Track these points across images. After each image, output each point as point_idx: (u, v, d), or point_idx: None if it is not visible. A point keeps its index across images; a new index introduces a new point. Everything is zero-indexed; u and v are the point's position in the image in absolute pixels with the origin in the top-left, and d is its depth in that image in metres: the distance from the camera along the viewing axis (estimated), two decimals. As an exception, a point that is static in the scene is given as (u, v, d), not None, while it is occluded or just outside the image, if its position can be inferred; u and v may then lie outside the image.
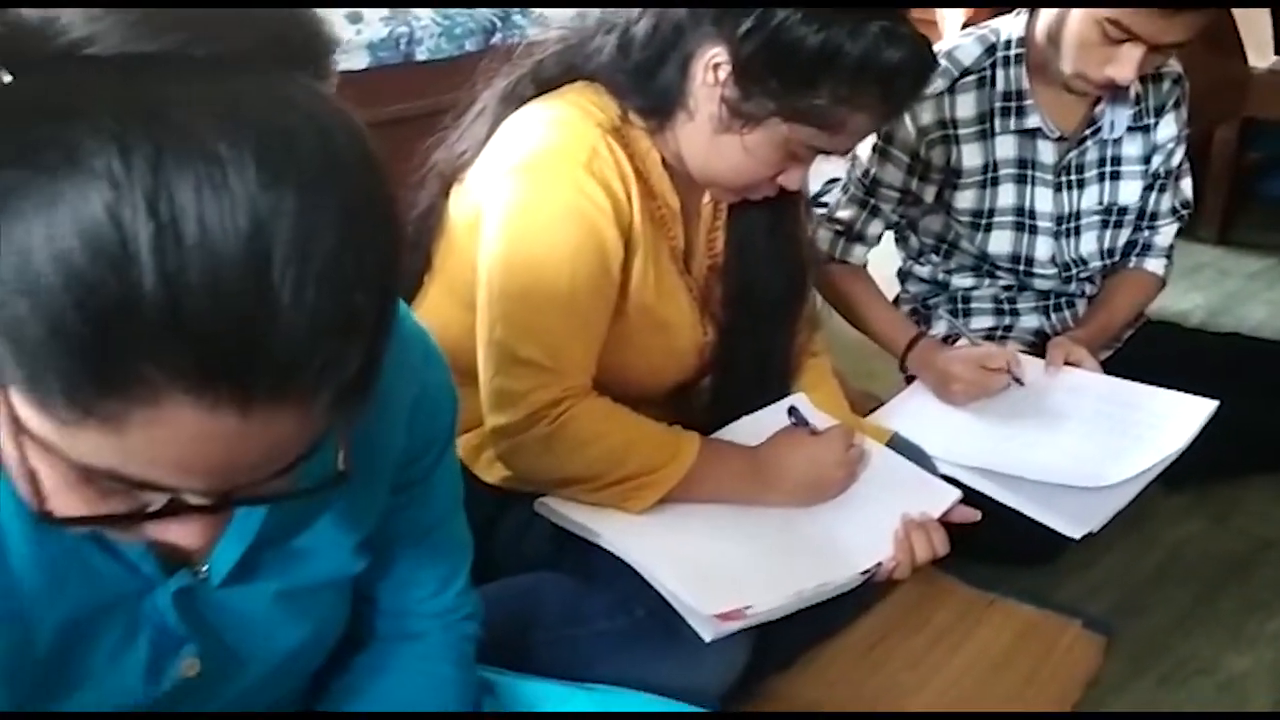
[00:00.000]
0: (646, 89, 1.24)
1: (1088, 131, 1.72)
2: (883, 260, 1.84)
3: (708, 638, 1.10)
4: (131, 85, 0.50)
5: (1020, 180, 1.72)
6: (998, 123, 1.68)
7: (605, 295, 1.22)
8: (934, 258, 1.85)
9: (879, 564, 1.26)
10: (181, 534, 0.60)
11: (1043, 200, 1.73)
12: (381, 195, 0.56)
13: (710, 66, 1.18)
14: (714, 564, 1.17)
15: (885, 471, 1.35)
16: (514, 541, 1.29)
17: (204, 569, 0.75)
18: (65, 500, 0.57)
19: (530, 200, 1.17)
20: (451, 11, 2.08)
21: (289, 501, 0.63)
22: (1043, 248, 1.75)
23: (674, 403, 1.40)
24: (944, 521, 1.31)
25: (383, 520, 0.85)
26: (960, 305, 1.84)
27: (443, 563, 0.94)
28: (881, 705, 1.33)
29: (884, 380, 1.83)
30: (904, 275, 1.93)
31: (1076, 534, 1.38)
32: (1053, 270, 1.77)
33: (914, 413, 1.60)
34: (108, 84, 0.50)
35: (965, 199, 1.73)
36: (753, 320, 1.39)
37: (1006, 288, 1.82)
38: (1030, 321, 1.83)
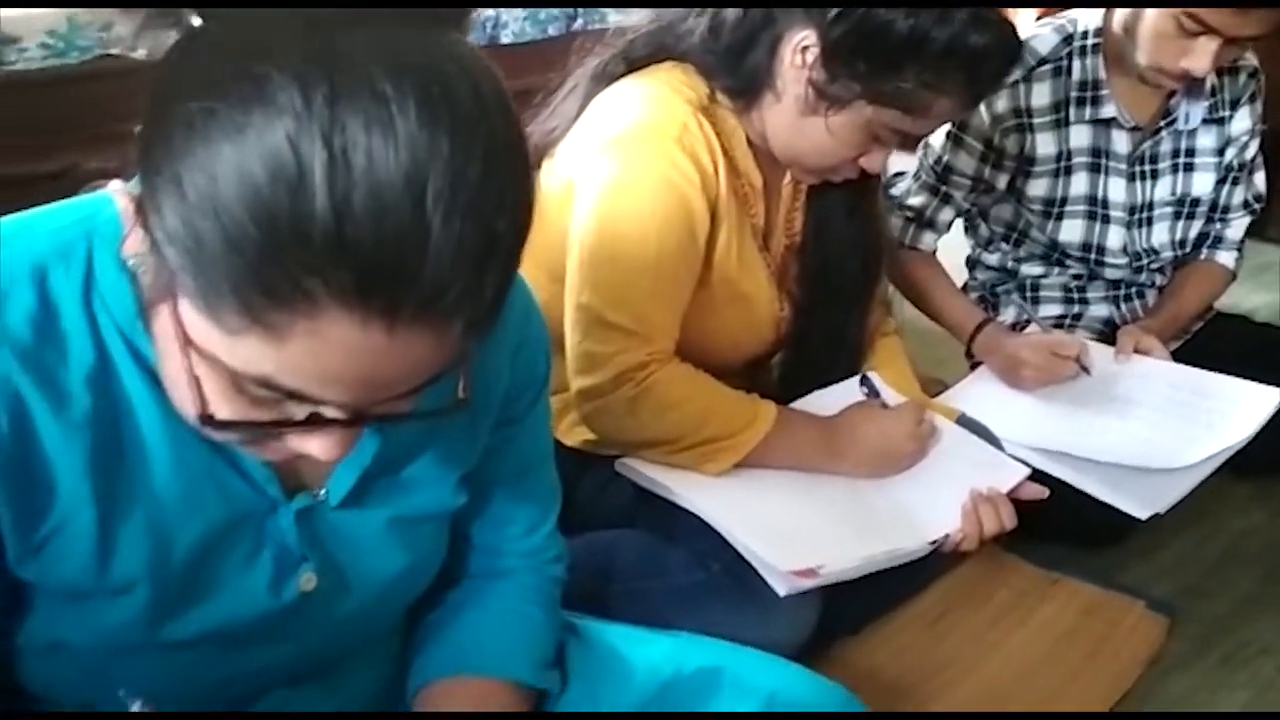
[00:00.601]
0: (735, 70, 1.28)
1: (1162, 123, 1.73)
2: (949, 249, 1.86)
3: (782, 593, 1.15)
4: (311, 32, 0.56)
5: (1094, 169, 1.74)
6: (1073, 112, 1.70)
7: (691, 264, 1.26)
8: (1004, 246, 1.87)
9: (946, 535, 1.29)
10: (318, 446, 0.65)
11: (1116, 190, 1.75)
12: (519, 138, 0.62)
13: (799, 49, 1.22)
14: (788, 525, 1.22)
15: (955, 447, 1.39)
16: (593, 502, 1.34)
17: (321, 493, 0.80)
18: (222, 408, 0.63)
19: (624, 171, 1.22)
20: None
21: (413, 423, 0.68)
22: (1114, 237, 1.77)
23: (748, 377, 1.44)
24: (1012, 498, 1.34)
25: (482, 459, 0.91)
26: (1029, 293, 1.87)
27: (534, 505, 0.99)
28: (945, 675, 1.36)
29: (951, 368, 1.85)
30: (972, 263, 1.96)
31: (1143, 515, 1.41)
32: (1123, 260, 1.79)
33: (981, 395, 1.62)
34: (291, 30, 0.56)
35: (1038, 187, 1.75)
36: (828, 299, 1.43)
37: (1076, 276, 1.84)
38: (1100, 311, 1.85)
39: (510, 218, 0.60)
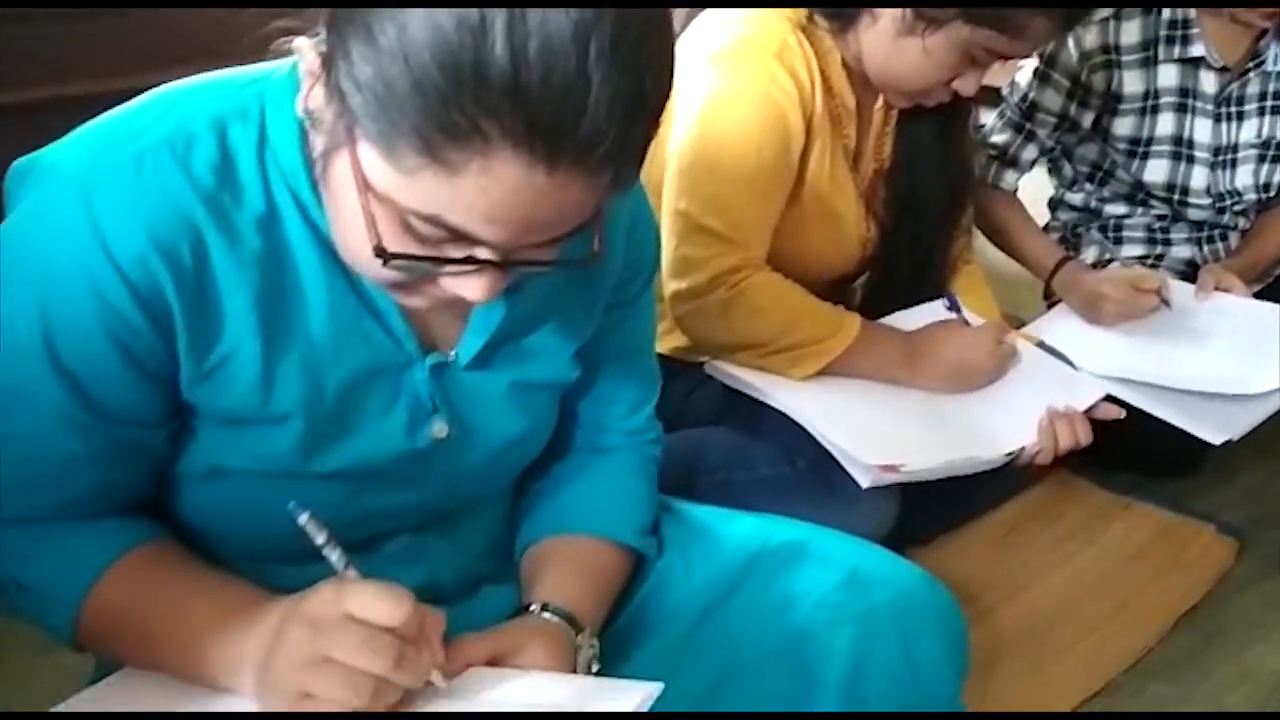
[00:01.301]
0: None
1: (1251, 64, 1.74)
2: (1028, 190, 1.88)
3: (865, 485, 1.21)
4: None
5: (1180, 109, 1.76)
6: (1161, 50, 1.72)
7: (785, 177, 1.32)
8: (1088, 185, 1.90)
9: (1022, 448, 1.34)
10: (470, 286, 0.72)
11: (1201, 130, 1.76)
12: (667, 15, 0.68)
13: None
14: (872, 424, 1.28)
15: (1033, 366, 1.43)
16: (681, 406, 1.40)
17: (452, 354, 0.88)
18: (392, 246, 0.70)
19: (725, 84, 1.28)
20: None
21: (553, 272, 0.75)
22: (1198, 178, 1.79)
23: (832, 297, 1.49)
24: (1088, 418, 1.38)
25: (594, 338, 0.97)
26: (1112, 234, 1.89)
27: (637, 386, 1.06)
28: (1014, 585, 1.42)
29: (1029, 311, 1.88)
30: (1055, 203, 1.98)
31: (1217, 440, 1.44)
32: (1207, 201, 1.81)
33: (1059, 326, 1.66)
34: None
35: (1123, 126, 1.77)
36: (914, 223, 1.48)
37: (1160, 217, 1.86)
38: (1182, 252, 1.87)
39: (658, 79, 0.67)
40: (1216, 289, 1.68)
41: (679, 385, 1.40)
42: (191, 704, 0.77)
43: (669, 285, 1.33)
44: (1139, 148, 1.78)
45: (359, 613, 0.71)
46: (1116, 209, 1.88)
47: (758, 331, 1.31)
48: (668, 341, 1.41)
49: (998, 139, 1.83)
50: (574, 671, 0.86)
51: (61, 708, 0.78)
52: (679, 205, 1.30)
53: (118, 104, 0.79)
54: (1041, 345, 1.54)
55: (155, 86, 0.80)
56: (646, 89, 0.65)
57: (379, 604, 0.71)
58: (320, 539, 0.75)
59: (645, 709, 0.74)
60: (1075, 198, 1.93)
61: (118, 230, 0.72)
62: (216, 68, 0.81)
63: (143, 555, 0.81)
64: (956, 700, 0.98)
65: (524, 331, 0.91)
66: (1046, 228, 1.97)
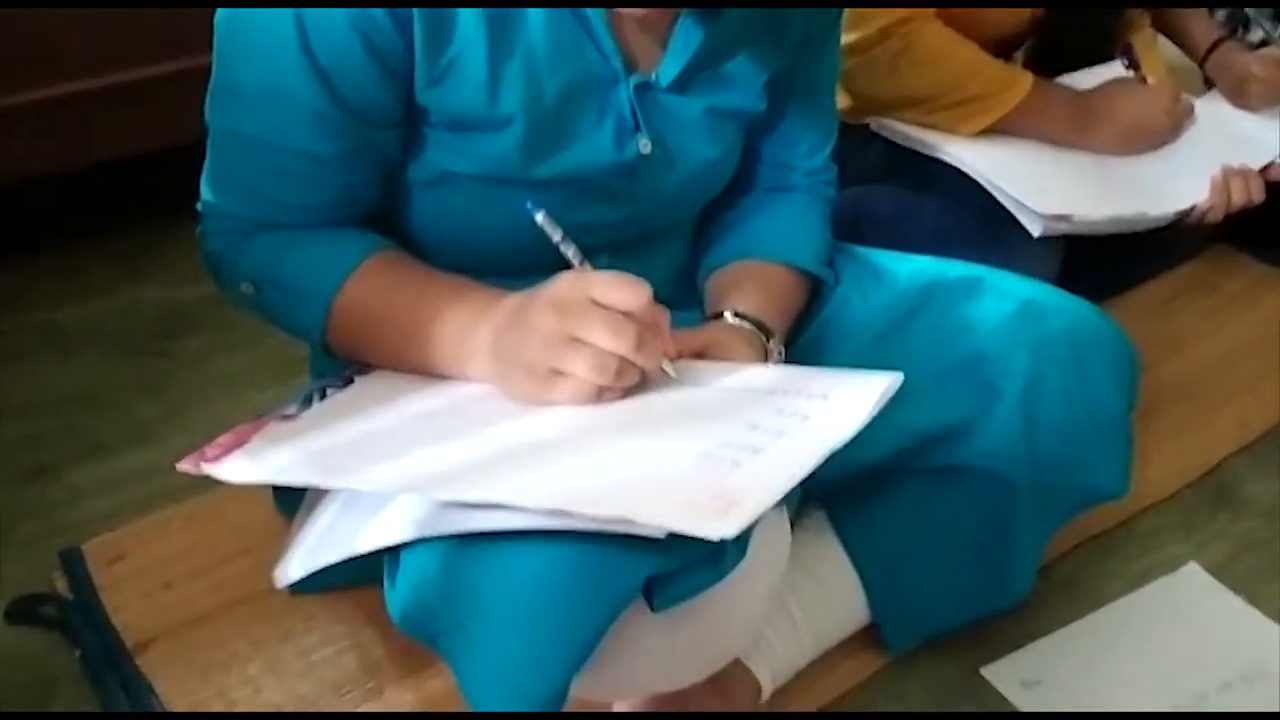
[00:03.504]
0: None
1: None
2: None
3: (1036, 233, 1.22)
4: None
5: None
6: None
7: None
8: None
9: (1194, 206, 1.33)
10: None
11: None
12: None
13: None
14: (1043, 176, 1.28)
15: (1208, 124, 1.41)
16: (845, 165, 1.42)
17: (653, 75, 0.91)
18: None
19: None
20: None
21: None
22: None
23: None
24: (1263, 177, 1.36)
25: (783, 73, 0.99)
26: (1284, 8, 1.81)
27: (818, 128, 1.08)
28: (1174, 344, 1.43)
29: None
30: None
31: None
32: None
33: (1217, 105, 1.61)
34: None
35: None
36: None
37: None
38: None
39: None
40: None
41: (842, 146, 1.41)
42: (434, 397, 0.83)
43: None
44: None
45: (602, 298, 0.75)
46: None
47: (928, 84, 1.31)
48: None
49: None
50: None
51: (296, 410, 0.83)
52: (851, -45, 1.28)
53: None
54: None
55: None
56: None
57: (621, 290, 0.75)
58: (557, 236, 0.81)
59: (888, 399, 0.74)
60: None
61: None
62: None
63: (382, 258, 0.87)
64: (1124, 422, 1.02)
65: (719, 59, 0.94)
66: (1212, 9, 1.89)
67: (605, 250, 0.97)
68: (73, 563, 1.15)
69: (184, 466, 0.78)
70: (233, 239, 0.90)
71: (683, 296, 1.06)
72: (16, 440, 1.36)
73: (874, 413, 0.73)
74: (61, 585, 1.14)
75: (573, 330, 0.75)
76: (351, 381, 0.88)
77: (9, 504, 1.26)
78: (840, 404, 0.74)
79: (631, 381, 0.78)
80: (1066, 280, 1.31)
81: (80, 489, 1.29)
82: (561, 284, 0.78)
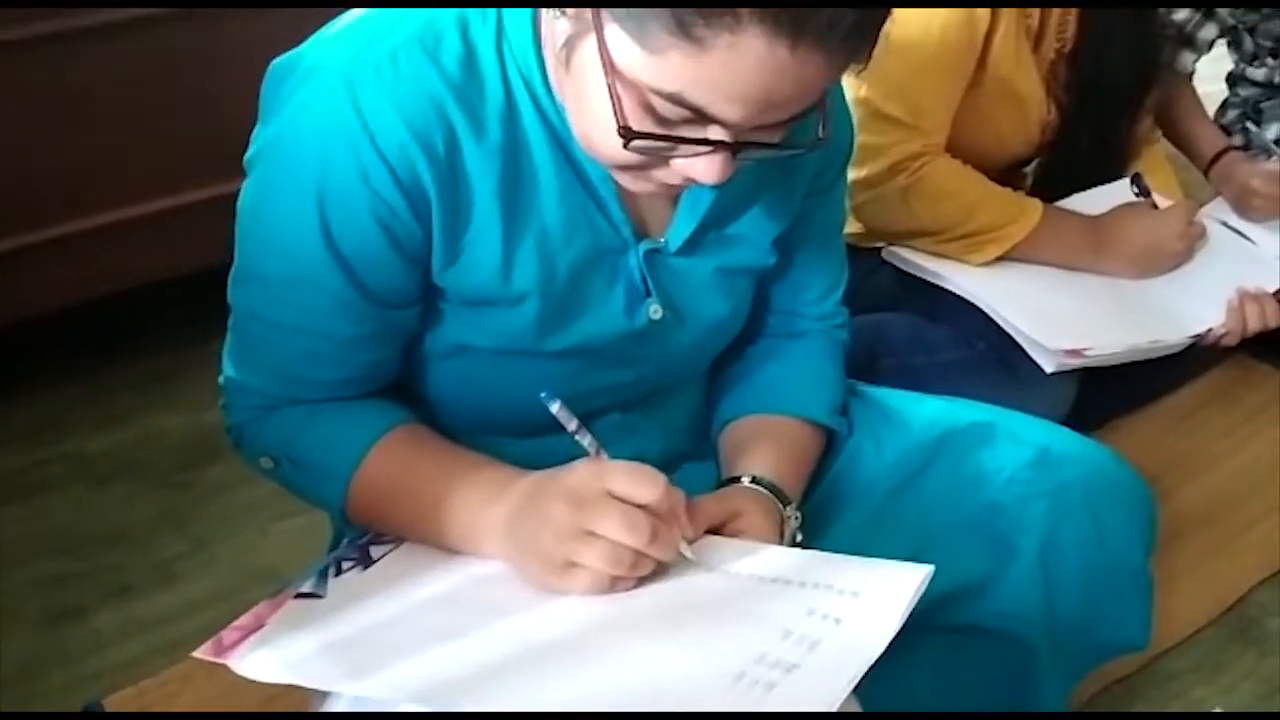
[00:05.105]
0: None
1: None
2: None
3: (1049, 369, 1.22)
4: None
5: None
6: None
7: (967, 62, 1.31)
8: (1270, 61, 1.82)
9: (1209, 329, 1.33)
10: (703, 167, 0.75)
11: (1399, 0, 1.67)
12: None
13: None
14: (1054, 307, 1.29)
15: (1220, 246, 1.41)
16: (857, 291, 1.42)
17: (662, 240, 0.92)
18: (633, 124, 0.73)
19: (908, -31, 1.27)
20: None
21: (779, 154, 0.78)
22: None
23: (1003, 183, 1.49)
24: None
25: (791, 224, 1.01)
26: (1297, 109, 1.82)
27: (827, 273, 1.09)
28: (1193, 466, 1.43)
29: (1202, 191, 1.83)
30: (1234, 79, 1.91)
31: None
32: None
33: (1227, 216, 1.61)
34: None
35: (1314, -2, 1.69)
36: (1099, 105, 1.45)
37: (1347, 91, 1.79)
38: (1370, 128, 1.79)
39: None
40: None
41: (854, 271, 1.41)
42: (451, 579, 0.83)
43: (849, 174, 1.34)
44: (1329, 21, 1.70)
45: (618, 490, 0.76)
46: (1302, 84, 1.81)
47: (938, 218, 1.32)
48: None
49: (1174, 16, 1.76)
50: (782, 540, 0.91)
51: (313, 586, 0.84)
52: (860, 93, 1.31)
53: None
54: (1224, 225, 1.51)
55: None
56: None
57: (637, 483, 0.76)
58: (572, 426, 0.81)
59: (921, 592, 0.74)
60: (1257, 73, 1.86)
61: (381, 122, 0.78)
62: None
63: (404, 432, 0.88)
64: (1144, 573, 1.01)
65: (728, 219, 0.95)
66: (1225, 104, 1.91)
67: (617, 409, 0.99)
68: (97, 720, 1.16)
69: (203, 654, 0.79)
70: (256, 413, 0.92)
71: (698, 445, 1.06)
72: (46, 581, 1.38)
73: (909, 611, 0.73)
74: (88, 741, 1.15)
75: (587, 523, 0.76)
76: (368, 553, 0.89)
77: (36, 651, 1.27)
78: (873, 603, 0.74)
79: (646, 571, 0.78)
80: (1080, 396, 1.31)
81: (105, 634, 1.30)
82: (576, 474, 0.79)
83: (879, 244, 1.41)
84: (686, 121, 0.72)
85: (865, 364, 1.31)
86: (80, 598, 1.35)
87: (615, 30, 0.70)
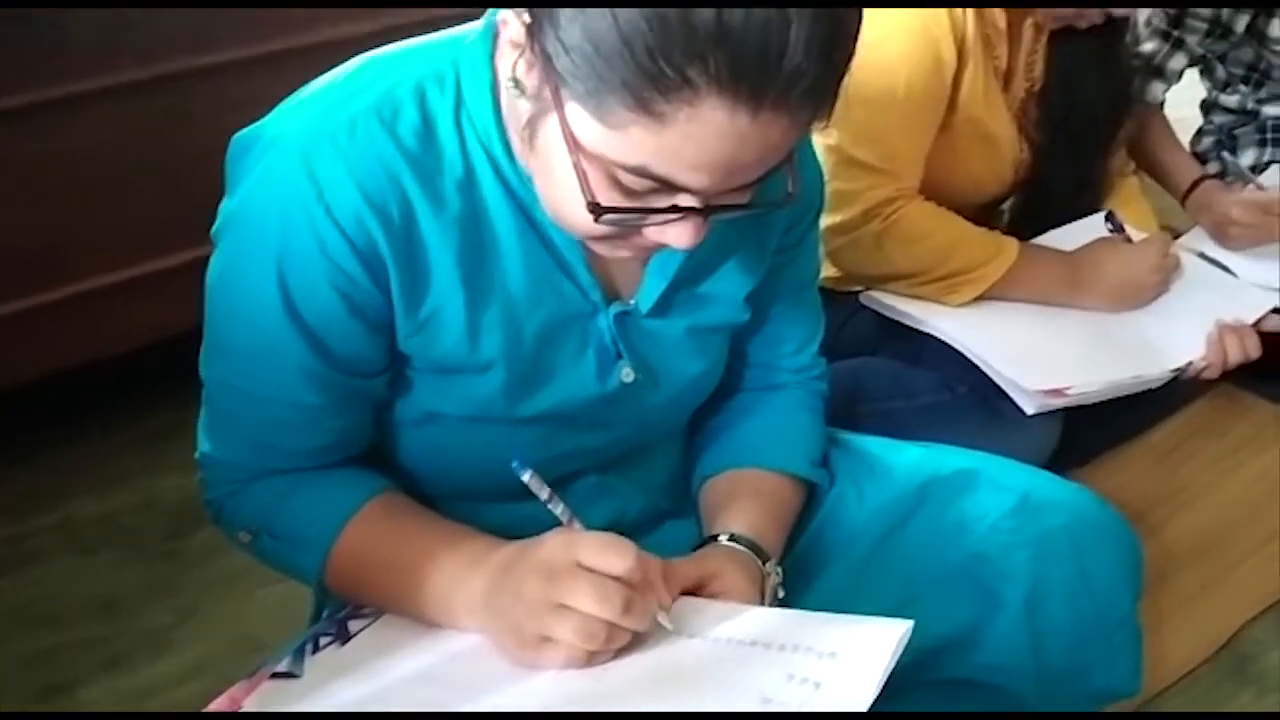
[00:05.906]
0: None
1: None
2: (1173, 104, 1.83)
3: (1030, 411, 1.22)
4: None
5: (1344, 4, 1.68)
6: (1324, -57, 1.65)
7: (936, 105, 1.32)
8: (1242, 88, 1.84)
9: (1190, 363, 1.33)
10: (675, 234, 0.75)
11: (1366, 25, 1.69)
12: None
13: None
14: (1033, 347, 1.29)
15: (1197, 279, 1.42)
16: (836, 336, 1.42)
17: (632, 302, 0.92)
18: (601, 200, 0.73)
19: (874, 17, 1.28)
20: None
21: (749, 214, 0.77)
22: (1364, 75, 1.71)
23: (980, 220, 1.49)
24: (1256, 331, 1.36)
25: (764, 279, 1.01)
26: (1270, 135, 1.83)
27: (803, 325, 1.09)
28: (1180, 501, 1.42)
29: (1180, 219, 1.83)
30: (1208, 106, 1.92)
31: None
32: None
33: (1204, 246, 1.61)
34: None
35: (1280, 28, 1.70)
36: (1072, 142, 1.46)
37: (1321, 117, 1.79)
38: (1346, 152, 1.80)
39: (852, 14, 0.69)
40: None
41: (833, 315, 1.41)
42: (429, 654, 0.83)
43: (822, 220, 1.34)
44: (1299, 47, 1.71)
45: (589, 562, 0.76)
46: (1274, 110, 1.81)
47: (913, 262, 1.32)
48: (820, 272, 1.43)
49: (1143, 48, 1.77)
50: (763, 598, 0.91)
51: (289, 665, 0.83)
52: (830, 140, 1.31)
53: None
54: (1202, 257, 1.52)
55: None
56: (842, 24, 0.67)
57: (608, 554, 0.76)
58: (544, 495, 0.81)
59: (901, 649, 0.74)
60: (1230, 100, 1.87)
61: (336, 191, 0.78)
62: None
63: (382, 503, 0.88)
64: (1132, 618, 1.01)
65: (699, 278, 0.95)
66: (1200, 131, 1.92)
67: (593, 471, 0.98)
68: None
69: None
70: (233, 486, 0.92)
71: (679, 503, 1.06)
72: (34, 656, 1.37)
73: (889, 669, 0.72)
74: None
75: (559, 597, 0.76)
76: (346, 628, 0.88)
77: (26, 728, 1.27)
78: (852, 664, 0.73)
79: (622, 643, 0.78)
80: (1064, 434, 1.31)
81: (95, 706, 1.29)
82: (547, 546, 0.78)
83: (857, 288, 1.41)
84: (654, 191, 0.72)
85: (845, 410, 1.30)
86: (71, 672, 1.34)
87: (576, 109, 0.70)
